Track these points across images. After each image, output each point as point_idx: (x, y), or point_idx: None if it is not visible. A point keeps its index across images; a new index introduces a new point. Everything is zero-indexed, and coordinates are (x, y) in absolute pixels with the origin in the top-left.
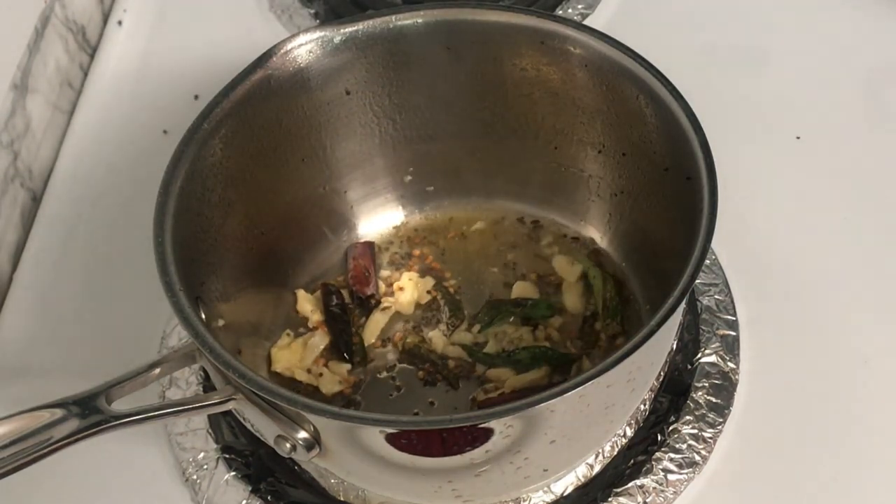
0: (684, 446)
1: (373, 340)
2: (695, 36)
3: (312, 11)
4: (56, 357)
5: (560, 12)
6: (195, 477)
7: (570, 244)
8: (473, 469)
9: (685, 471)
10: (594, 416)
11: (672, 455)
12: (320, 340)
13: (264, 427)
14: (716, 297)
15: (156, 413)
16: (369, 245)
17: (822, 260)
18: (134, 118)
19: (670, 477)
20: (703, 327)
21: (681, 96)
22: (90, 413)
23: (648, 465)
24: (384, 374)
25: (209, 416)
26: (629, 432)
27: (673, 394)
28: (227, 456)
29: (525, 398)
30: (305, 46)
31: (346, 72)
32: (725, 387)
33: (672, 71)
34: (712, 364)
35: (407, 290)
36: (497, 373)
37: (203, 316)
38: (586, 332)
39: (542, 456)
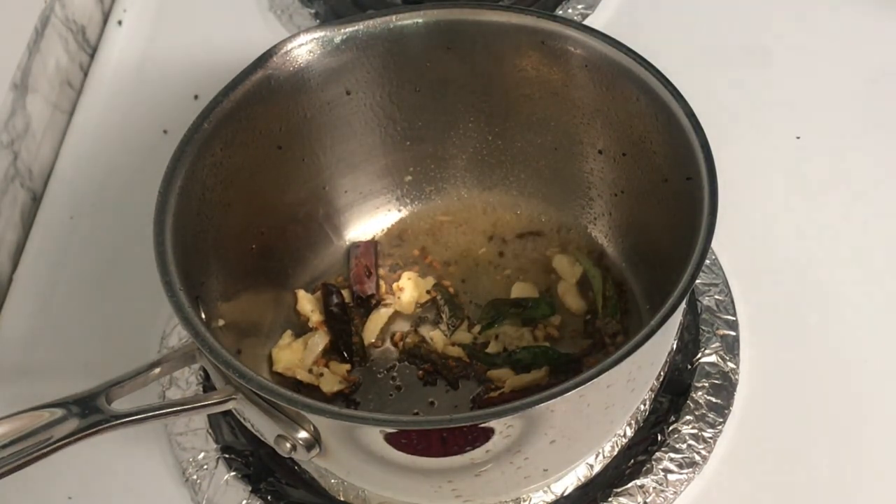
0: (684, 446)
1: (373, 340)
2: (695, 36)
3: (312, 11)
4: (56, 357)
5: (560, 12)
6: (195, 477)
7: (570, 244)
8: (473, 469)
9: (685, 471)
10: (594, 416)
11: (672, 455)
12: (320, 340)
13: (264, 427)
14: (716, 297)
15: (156, 413)
16: (373, 244)
17: (821, 260)
18: (134, 118)
19: (670, 477)
20: (703, 327)
21: (681, 96)
22: (90, 413)
23: (648, 465)
24: (384, 374)
25: (209, 416)
26: (629, 432)
27: (673, 394)
28: (227, 456)
29: (525, 398)
30: (305, 46)
31: (346, 72)
32: (725, 387)
33: (672, 71)
34: (712, 364)
35: (407, 289)
36: (497, 373)
37: (203, 316)
38: (590, 332)
39: (542, 456)
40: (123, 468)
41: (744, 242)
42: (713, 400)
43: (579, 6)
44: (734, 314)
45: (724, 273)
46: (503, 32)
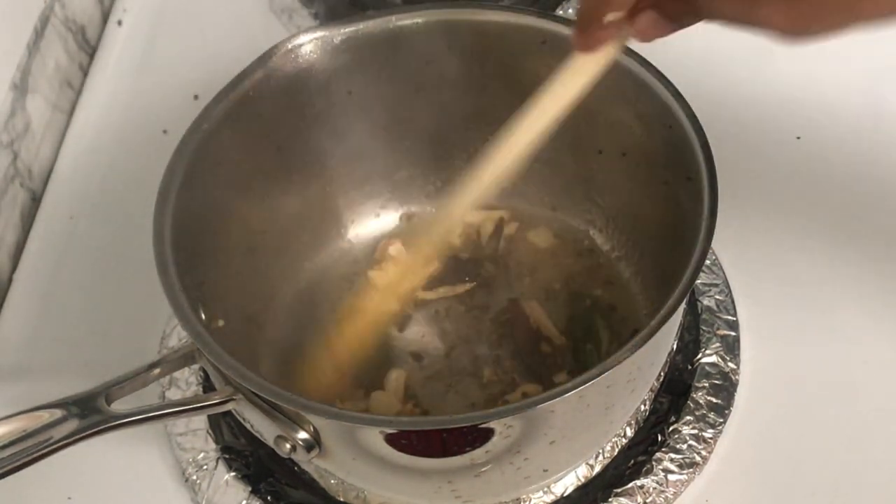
0: (684, 446)
1: None
2: (695, 36)
3: (312, 11)
4: (56, 357)
5: (560, 12)
6: (195, 477)
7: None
8: (473, 469)
9: (685, 471)
10: (594, 417)
11: (672, 455)
12: None
13: (264, 427)
14: (716, 297)
15: (156, 413)
16: None
17: (821, 260)
18: (134, 118)
19: (670, 477)
20: (703, 327)
21: (681, 96)
22: (90, 413)
23: (649, 466)
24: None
25: (209, 417)
26: (629, 432)
27: (673, 394)
28: (227, 456)
29: (525, 399)
30: (305, 46)
31: (346, 72)
32: (725, 387)
33: (672, 71)
34: (712, 364)
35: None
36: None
37: (203, 316)
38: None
39: (542, 456)
40: (123, 468)
41: (744, 242)
42: (713, 400)
43: None
44: (734, 314)
45: (724, 273)
46: (503, 32)
